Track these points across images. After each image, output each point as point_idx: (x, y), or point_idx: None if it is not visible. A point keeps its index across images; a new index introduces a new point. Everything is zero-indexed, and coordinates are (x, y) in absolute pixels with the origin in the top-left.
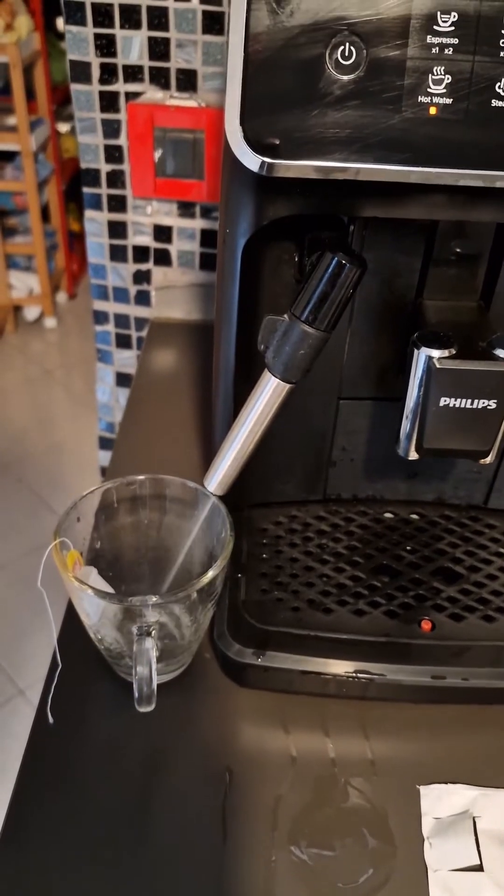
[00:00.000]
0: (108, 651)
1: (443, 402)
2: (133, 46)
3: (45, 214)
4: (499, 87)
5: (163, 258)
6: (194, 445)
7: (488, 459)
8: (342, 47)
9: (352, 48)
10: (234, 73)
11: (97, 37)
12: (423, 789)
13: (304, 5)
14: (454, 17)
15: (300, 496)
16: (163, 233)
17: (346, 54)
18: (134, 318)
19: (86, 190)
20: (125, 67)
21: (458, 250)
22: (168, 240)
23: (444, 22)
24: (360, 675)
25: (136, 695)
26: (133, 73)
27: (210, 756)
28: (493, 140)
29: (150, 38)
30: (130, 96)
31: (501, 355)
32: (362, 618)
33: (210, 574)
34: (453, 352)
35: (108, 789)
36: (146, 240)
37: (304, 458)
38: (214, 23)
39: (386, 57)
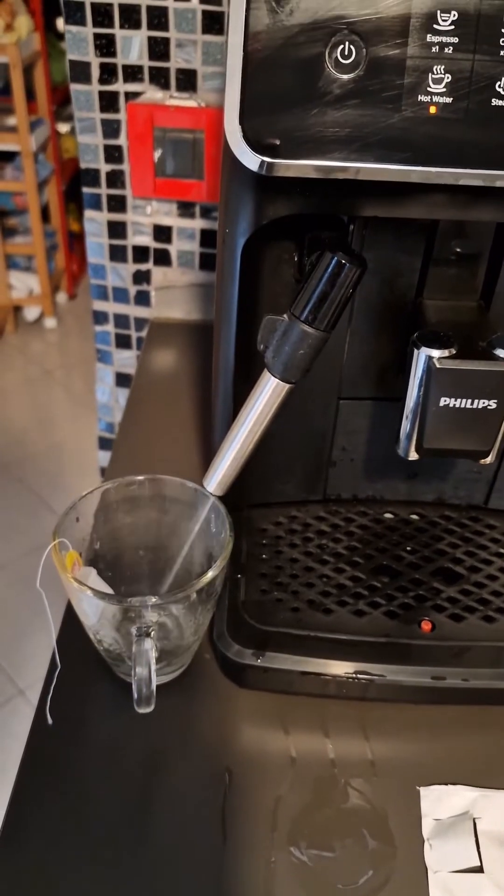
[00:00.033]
0: (108, 652)
1: (443, 402)
2: (133, 46)
3: (45, 215)
4: (499, 86)
5: (162, 258)
6: (194, 446)
7: (488, 459)
8: (342, 46)
9: (351, 47)
10: (233, 72)
11: (97, 37)
12: (423, 790)
13: (304, 4)
14: (454, 15)
15: (300, 496)
16: (162, 233)
17: (346, 53)
18: (133, 318)
19: (85, 190)
20: (125, 67)
21: (458, 250)
22: (168, 240)
23: (443, 21)
24: (359, 675)
25: (136, 696)
26: (133, 73)
27: (209, 757)
28: (494, 139)
29: (150, 38)
30: (130, 96)
31: (501, 355)
32: (362, 618)
33: (209, 574)
34: (453, 352)
35: (108, 790)
36: (146, 240)
37: (303, 459)
38: (214, 22)
39: (386, 56)
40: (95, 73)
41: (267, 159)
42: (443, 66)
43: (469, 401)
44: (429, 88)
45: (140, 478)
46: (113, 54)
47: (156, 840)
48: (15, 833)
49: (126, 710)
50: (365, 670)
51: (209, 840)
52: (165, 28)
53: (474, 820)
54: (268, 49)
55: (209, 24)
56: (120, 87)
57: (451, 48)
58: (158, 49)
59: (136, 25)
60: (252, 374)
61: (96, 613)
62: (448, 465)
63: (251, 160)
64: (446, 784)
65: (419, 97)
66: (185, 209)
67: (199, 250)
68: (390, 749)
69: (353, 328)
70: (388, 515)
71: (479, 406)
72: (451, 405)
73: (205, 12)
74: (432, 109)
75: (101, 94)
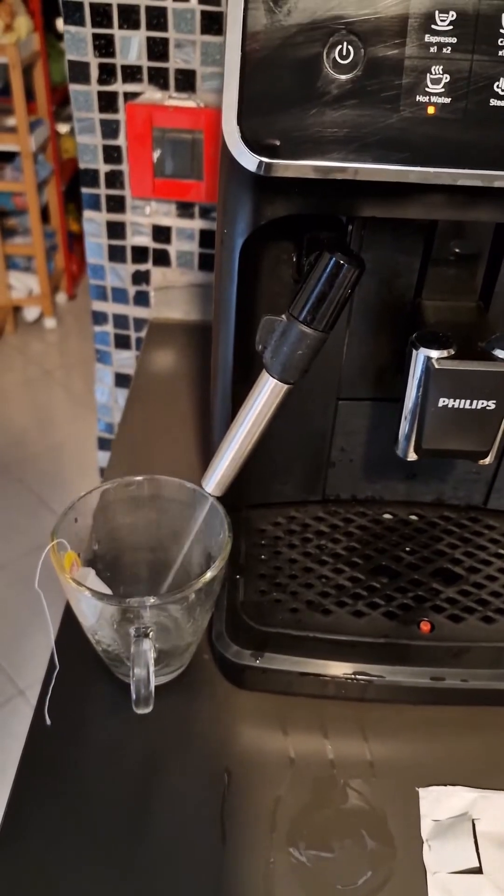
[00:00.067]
0: (106, 652)
1: (441, 402)
2: (132, 46)
3: (44, 215)
4: (497, 87)
5: (162, 259)
6: (193, 446)
7: (487, 460)
8: (340, 46)
9: (349, 47)
10: (231, 72)
11: (96, 37)
12: (422, 791)
13: (302, 4)
14: (452, 16)
15: (299, 497)
16: (161, 233)
17: (344, 53)
18: (133, 318)
19: (84, 190)
20: (124, 67)
21: (457, 250)
22: (167, 240)
23: (442, 21)
24: (358, 676)
25: (134, 696)
26: (132, 74)
27: (208, 757)
28: (492, 139)
29: (149, 39)
30: (129, 96)
31: (500, 356)
32: (361, 619)
33: (208, 575)
34: (452, 352)
35: (107, 791)
36: (145, 240)
37: (302, 459)
38: (213, 23)
39: (384, 56)
40: (94, 73)
41: (265, 160)
42: (441, 67)
43: (468, 401)
44: (427, 89)
45: (139, 478)
46: (112, 54)
47: (155, 840)
48: (14, 833)
49: (125, 711)
50: (364, 671)
51: (208, 841)
52: (164, 28)
53: (473, 821)
54: (266, 49)
55: (208, 25)
56: (119, 87)
57: (450, 48)
58: (157, 49)
59: (134, 26)
60: (251, 375)
61: (95, 614)
62: (447, 465)
63: (249, 160)
64: (445, 785)
65: (417, 97)
66: (185, 209)
67: (198, 251)
68: (389, 750)
69: (352, 329)
70: (387, 516)
71: (478, 407)
72: (449, 406)
73: (204, 12)
74: (431, 110)
75: (100, 94)
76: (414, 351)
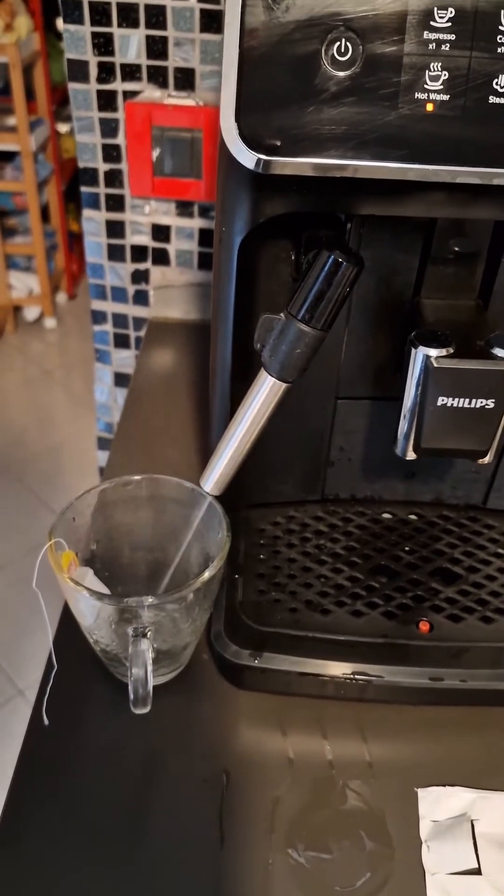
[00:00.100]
0: (105, 652)
1: (440, 401)
2: (131, 45)
3: (44, 215)
4: (496, 84)
5: (161, 258)
6: (192, 445)
7: (486, 459)
8: (338, 43)
9: (348, 44)
10: (229, 69)
11: (95, 35)
12: (421, 792)
13: (300, 1)
14: (451, 12)
15: (298, 496)
16: (161, 232)
17: (342, 50)
18: (132, 317)
19: (84, 189)
20: (123, 66)
21: (456, 248)
22: (166, 239)
23: (440, 18)
24: (357, 676)
25: (132, 696)
26: (131, 72)
27: (207, 758)
28: (491, 137)
29: (148, 37)
30: (128, 95)
31: (499, 354)
32: (360, 619)
33: (206, 575)
34: (451, 351)
35: (105, 791)
36: (144, 239)
37: (301, 458)
38: (212, 21)
39: (382, 53)
40: (93, 71)
41: (263, 157)
42: (440, 64)
43: (467, 400)
44: (426, 86)
45: (137, 477)
46: (111, 53)
47: (153, 841)
48: (11, 834)
49: (123, 711)
50: (363, 671)
51: (206, 841)
52: (163, 27)
53: (472, 822)
54: (264, 46)
55: (207, 23)
56: (118, 85)
57: (448, 45)
58: (156, 48)
59: (134, 24)
60: (249, 374)
61: (93, 614)
62: (446, 464)
63: (247, 158)
64: (444, 785)
65: (416, 94)
66: (184, 208)
67: (197, 250)
68: (388, 750)
69: (351, 327)
70: (386, 515)
71: (477, 405)
72: (448, 404)
73: (203, 11)
74: (429, 107)
75: (100, 92)
76: (413, 349)
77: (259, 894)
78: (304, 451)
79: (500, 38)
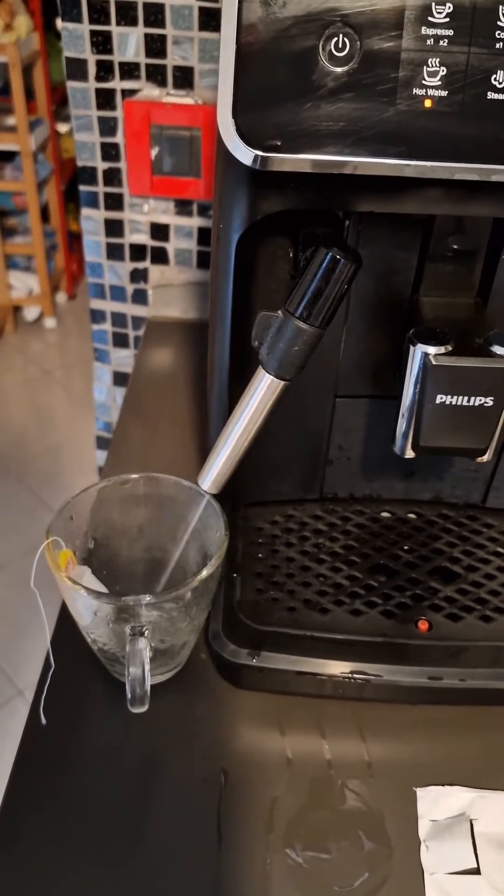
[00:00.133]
0: (102, 652)
1: (439, 399)
2: (129, 43)
3: (44, 215)
4: (494, 80)
5: (160, 256)
6: (191, 444)
7: (485, 458)
8: (335, 39)
9: (345, 40)
10: (226, 65)
11: (93, 33)
12: (420, 791)
13: None
14: (449, 7)
15: (296, 495)
16: (160, 231)
17: (340, 46)
18: (131, 316)
19: (82, 188)
20: (121, 64)
21: (454, 246)
22: (165, 238)
23: (438, 13)
24: (356, 675)
25: (129, 696)
26: (129, 71)
27: (205, 758)
28: (489, 133)
29: (147, 35)
30: (127, 93)
31: (498, 352)
32: (359, 618)
33: (204, 573)
34: (450, 348)
35: (102, 791)
36: (143, 238)
37: (300, 457)
38: (211, 19)
39: (380, 49)
40: (92, 70)
41: (260, 153)
42: (438, 59)
43: (466, 398)
44: (424, 82)
45: (135, 476)
46: (109, 51)
47: (150, 841)
48: (9, 834)
49: (121, 711)
50: (361, 670)
51: (204, 842)
52: (162, 25)
53: (471, 821)
54: (261, 42)
55: (206, 21)
56: (117, 84)
57: (446, 41)
58: (155, 46)
59: (132, 22)
60: (247, 372)
61: (90, 613)
62: (445, 463)
63: (245, 154)
64: (443, 785)
65: (414, 90)
66: (183, 207)
67: (196, 248)
68: (387, 750)
69: (349, 326)
70: (385, 514)
71: (476, 403)
72: (447, 402)
73: (201, 9)
74: (427, 103)
75: (98, 91)
76: (411, 347)
77: (257, 894)
78: (302, 450)
79: (499, 34)
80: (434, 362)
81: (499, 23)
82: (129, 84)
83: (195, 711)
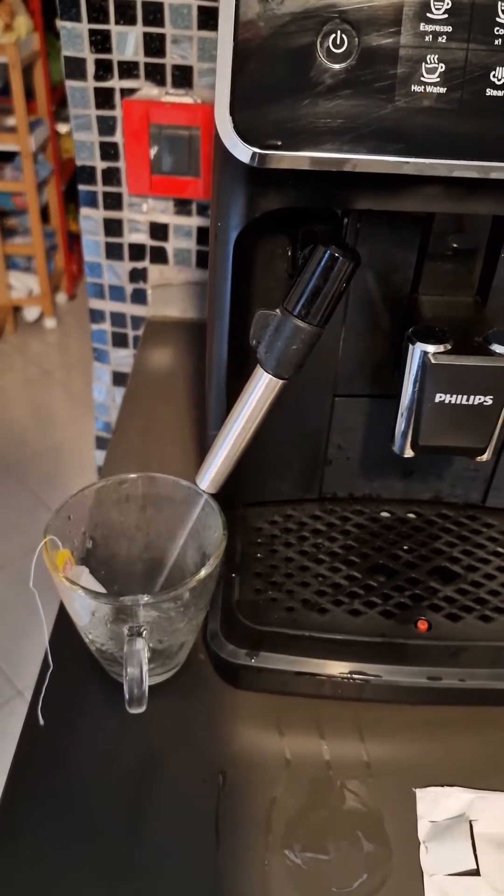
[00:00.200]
0: (101, 652)
1: (438, 398)
2: (128, 42)
3: (44, 215)
4: (493, 77)
5: (159, 256)
6: (190, 444)
7: (485, 457)
8: (333, 35)
9: (343, 36)
10: (223, 62)
11: (92, 32)
12: (420, 792)
13: None
14: (447, 4)
15: (295, 495)
16: (159, 230)
17: (338, 42)
18: (130, 316)
19: (81, 187)
20: (120, 63)
21: (454, 245)
22: (164, 237)
23: (437, 9)
24: (355, 676)
25: (127, 696)
26: (128, 70)
27: (203, 758)
28: (488, 130)
29: (146, 34)
30: (126, 93)
31: (498, 350)
32: (358, 618)
33: (202, 573)
34: (449, 347)
35: (100, 792)
36: (142, 237)
37: (299, 456)
38: (210, 18)
39: (378, 45)
40: (91, 69)
41: (258, 151)
42: (436, 56)
43: (465, 397)
44: (422, 78)
45: (133, 476)
46: (108, 50)
47: (148, 842)
48: (7, 834)
49: (119, 711)
50: (360, 670)
51: (203, 843)
52: (161, 24)
53: (471, 822)
54: (258, 39)
55: (205, 20)
56: (115, 83)
57: (445, 37)
58: (154, 45)
59: (131, 21)
60: (245, 371)
61: (88, 613)
62: (445, 463)
63: (242, 152)
64: (443, 786)
65: (413, 87)
66: (182, 206)
67: (195, 248)
68: (386, 750)
69: (348, 324)
70: (384, 514)
71: (475, 402)
72: (446, 401)
73: (200, 8)
74: (426, 100)
75: (97, 90)
76: (410, 346)
77: (256, 895)
78: (301, 450)
79: (498, 31)
80: (433, 361)
81: (497, 19)
82: (127, 83)
83: (193, 712)
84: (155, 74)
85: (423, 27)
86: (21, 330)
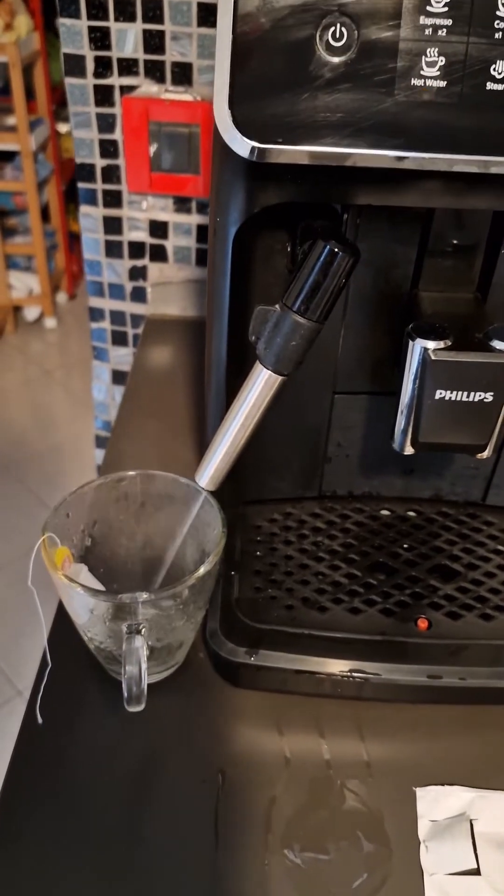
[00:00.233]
0: (100, 650)
1: (438, 394)
2: (128, 39)
3: (44, 215)
4: (494, 70)
5: (159, 254)
6: (189, 442)
7: (485, 454)
8: (333, 28)
9: (343, 29)
10: (222, 56)
11: (91, 29)
12: (420, 791)
13: None
14: None
15: (295, 493)
16: (158, 228)
17: (337, 36)
18: (130, 314)
19: (81, 185)
20: (120, 61)
21: (454, 241)
22: (164, 235)
23: (437, 2)
24: (355, 674)
25: (126, 694)
26: (128, 67)
27: (202, 757)
28: (489, 124)
29: (145, 31)
30: (125, 90)
31: (498, 347)
32: (357, 616)
33: (201, 570)
34: (449, 343)
35: (99, 791)
36: (142, 235)
37: (298, 454)
38: (209, 15)
39: (378, 38)
40: (90, 66)
41: (258, 145)
42: (436, 50)
43: (465, 393)
44: (422, 72)
45: (132, 473)
46: (108, 47)
47: (147, 842)
48: (6, 833)
49: (118, 710)
50: (360, 669)
51: (202, 842)
52: (160, 21)
53: (471, 821)
54: (257, 32)
55: (204, 17)
56: (115, 80)
57: (445, 31)
58: (153, 42)
59: (130, 18)
60: (245, 368)
61: (87, 611)
62: (445, 460)
63: (241, 146)
64: (443, 785)
65: (412, 81)
66: (182, 204)
67: (195, 246)
68: (386, 749)
69: (348, 321)
70: (384, 512)
71: (476, 399)
72: (446, 398)
73: (200, 4)
74: (426, 94)
75: (96, 87)
76: (410, 342)
77: (255, 895)
78: (300, 447)
79: (498, 24)
80: (433, 357)
81: (497, 12)
82: (127, 80)
83: (192, 711)
84: (154, 71)
85: (423, 20)
86: (21, 330)
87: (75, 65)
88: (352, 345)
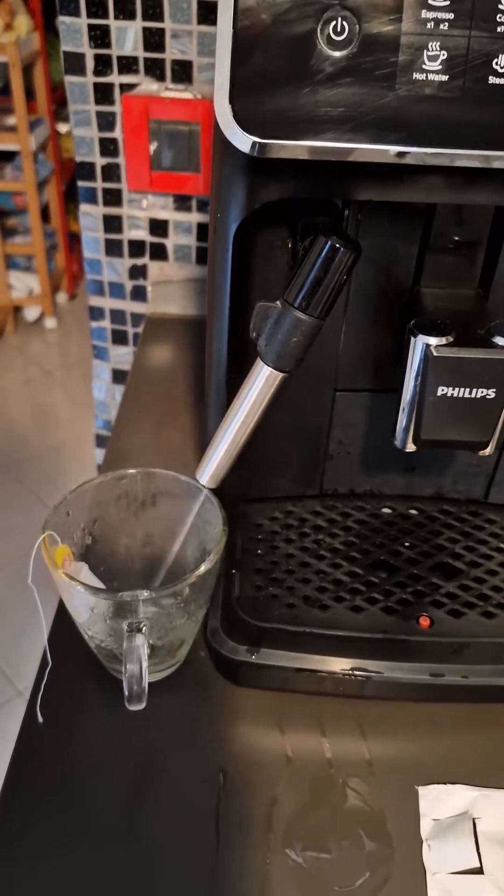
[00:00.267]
0: (100, 649)
1: (440, 391)
2: (127, 37)
3: (44, 215)
4: (496, 64)
5: (159, 253)
6: (190, 441)
7: (487, 451)
8: (334, 22)
9: (344, 23)
10: (222, 51)
11: (91, 27)
12: (422, 790)
13: None
14: None
15: (296, 491)
16: (159, 227)
17: (339, 30)
18: (130, 313)
19: (81, 183)
20: (120, 58)
21: (455, 237)
22: (164, 234)
23: None
24: (356, 672)
25: (126, 693)
26: (128, 65)
27: (204, 756)
28: (491, 118)
29: (145, 29)
30: (125, 88)
31: (500, 343)
32: (359, 614)
33: (202, 569)
34: (451, 339)
35: (100, 790)
36: (142, 234)
37: (300, 452)
38: (209, 12)
39: (379, 32)
40: (90, 64)
41: (258, 140)
42: (438, 43)
43: (467, 390)
44: (424, 66)
45: (132, 471)
46: (108, 45)
47: (148, 841)
48: (6, 832)
49: (119, 709)
50: (362, 667)
51: (203, 841)
52: (160, 18)
53: (474, 820)
54: (258, 26)
55: (204, 14)
56: (115, 78)
57: (447, 24)
58: (153, 40)
59: (130, 16)
60: (246, 364)
61: (87, 609)
62: (447, 458)
63: (242, 141)
64: (445, 783)
65: (414, 75)
66: (182, 203)
67: (195, 244)
68: (388, 748)
69: (349, 318)
70: (385, 510)
71: (478, 395)
72: (448, 395)
73: (200, 2)
74: (427, 88)
75: (96, 85)
76: (412, 338)
77: (256, 895)
78: (302, 445)
79: (500, 18)
80: (435, 353)
81: (499, 6)
82: (127, 78)
83: (193, 709)
84: (154, 69)
85: (424, 14)
86: (21, 330)
87: (75, 63)
88: (353, 341)
